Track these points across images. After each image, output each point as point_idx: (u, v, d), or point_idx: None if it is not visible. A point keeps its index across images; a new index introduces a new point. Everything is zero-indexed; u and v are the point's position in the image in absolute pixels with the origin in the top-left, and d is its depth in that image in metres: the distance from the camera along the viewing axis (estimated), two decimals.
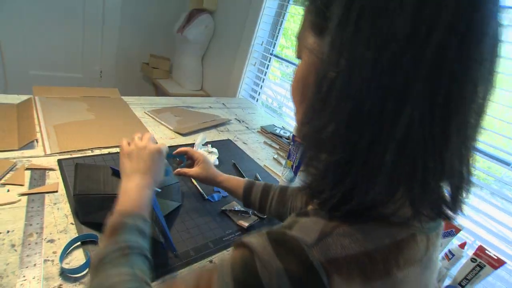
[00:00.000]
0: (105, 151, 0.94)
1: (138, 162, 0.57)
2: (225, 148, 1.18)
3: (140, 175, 0.55)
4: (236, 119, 1.52)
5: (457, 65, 0.25)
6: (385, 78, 0.25)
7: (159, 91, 2.47)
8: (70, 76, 2.29)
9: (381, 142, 0.27)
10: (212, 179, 0.76)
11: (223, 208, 0.83)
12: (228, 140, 1.27)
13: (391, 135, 0.26)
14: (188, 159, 0.81)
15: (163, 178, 0.61)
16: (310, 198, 0.33)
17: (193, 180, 0.91)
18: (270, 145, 1.33)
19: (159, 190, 0.69)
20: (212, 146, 1.11)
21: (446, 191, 0.32)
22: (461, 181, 0.32)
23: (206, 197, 0.86)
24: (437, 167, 0.28)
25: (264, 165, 1.14)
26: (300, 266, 0.27)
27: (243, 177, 1.01)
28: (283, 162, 1.12)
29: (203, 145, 1.11)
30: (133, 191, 0.52)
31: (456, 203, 0.33)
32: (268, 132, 1.42)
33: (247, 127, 1.47)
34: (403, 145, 0.27)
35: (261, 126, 1.47)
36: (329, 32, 0.29)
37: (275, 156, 1.24)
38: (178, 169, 0.76)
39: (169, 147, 1.05)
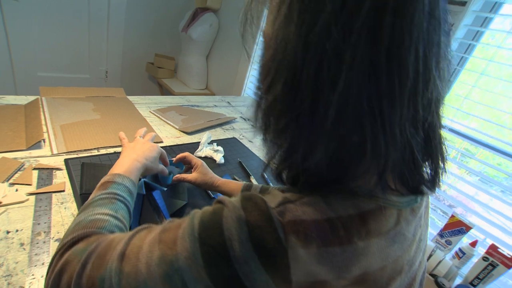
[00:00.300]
0: (111, 150, 0.95)
1: (135, 150, 0.65)
2: (230, 146, 1.18)
3: (135, 155, 0.63)
4: (241, 117, 1.52)
5: (390, 34, 0.26)
6: (317, 48, 0.27)
7: (164, 91, 2.48)
8: (77, 77, 2.32)
9: (321, 108, 0.28)
10: (210, 184, 0.77)
11: None
12: (234, 138, 1.26)
13: (330, 101, 0.27)
14: (186, 164, 0.82)
15: (156, 166, 0.67)
16: (274, 175, 0.35)
17: None
18: None
19: (165, 189, 0.70)
20: (218, 145, 1.11)
21: (429, 168, 0.34)
22: (432, 157, 0.33)
23: (212, 196, 0.86)
24: (387, 138, 0.28)
25: None
26: (261, 217, 0.30)
27: (249, 175, 1.01)
28: None
29: (208, 143, 1.11)
30: (125, 162, 0.59)
31: (433, 180, 0.34)
32: None
33: (253, 125, 1.45)
34: (343, 112, 0.27)
35: None
36: (270, 15, 0.32)
37: None
38: (177, 175, 0.77)
39: (170, 146, 1.05)
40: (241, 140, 1.26)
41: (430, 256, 0.83)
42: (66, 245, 0.38)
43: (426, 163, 0.34)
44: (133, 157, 0.61)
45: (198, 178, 0.77)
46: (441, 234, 0.91)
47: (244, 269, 0.29)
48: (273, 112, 0.32)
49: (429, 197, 0.44)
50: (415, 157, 0.31)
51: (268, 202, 0.31)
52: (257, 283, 0.29)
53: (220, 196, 0.35)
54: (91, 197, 0.49)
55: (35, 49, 2.08)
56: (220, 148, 1.08)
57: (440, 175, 0.35)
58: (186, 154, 0.81)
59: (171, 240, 0.32)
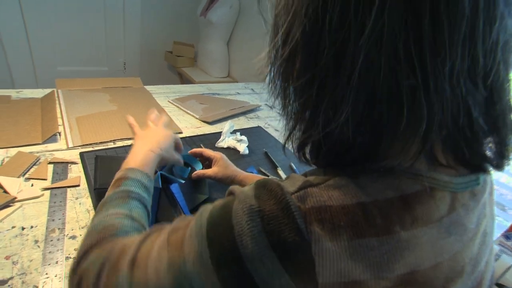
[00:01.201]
0: (128, 142, 0.95)
1: (150, 138, 0.64)
2: (255, 136, 1.15)
3: (149, 144, 0.61)
4: (266, 104, 1.49)
5: None
6: None
7: (185, 80, 2.50)
8: (96, 70, 2.40)
9: (347, 58, 0.24)
10: (232, 178, 0.74)
11: None
12: (259, 127, 1.24)
13: (357, 49, 0.23)
14: (205, 160, 0.80)
15: (171, 156, 0.66)
16: (295, 150, 0.33)
17: None
18: None
19: (182, 181, 0.68)
20: (241, 134, 1.08)
21: (493, 139, 0.29)
22: (498, 124, 0.27)
23: None
24: (431, 95, 0.23)
25: None
26: (275, 206, 0.26)
27: (276, 166, 0.97)
28: None
29: (231, 133, 1.08)
30: (138, 153, 0.58)
31: (500, 155, 0.29)
32: None
33: (279, 113, 1.42)
34: (374, 63, 0.23)
35: None
36: None
37: None
38: (196, 172, 0.75)
39: (191, 137, 1.04)
40: (266, 129, 1.23)
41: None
42: (81, 254, 0.39)
43: (490, 132, 0.28)
44: (147, 147, 0.60)
45: (219, 172, 0.74)
46: (507, 235, 0.82)
47: (259, 270, 0.26)
48: (292, 70, 0.28)
49: (493, 183, 0.38)
50: (474, 122, 0.26)
51: (285, 187, 0.28)
52: (275, 287, 0.26)
53: (233, 186, 0.33)
54: (106, 195, 0.49)
55: (54, 44, 2.17)
56: (244, 137, 1.05)
57: (509, 149, 0.29)
58: (203, 150, 0.79)
59: (179, 241, 0.31)
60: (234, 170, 0.76)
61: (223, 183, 0.76)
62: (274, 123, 1.31)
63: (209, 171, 0.75)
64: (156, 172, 0.67)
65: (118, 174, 0.53)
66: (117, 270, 0.34)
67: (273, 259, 0.26)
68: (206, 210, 0.31)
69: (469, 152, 0.28)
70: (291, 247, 0.25)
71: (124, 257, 0.34)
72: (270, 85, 0.32)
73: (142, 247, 0.34)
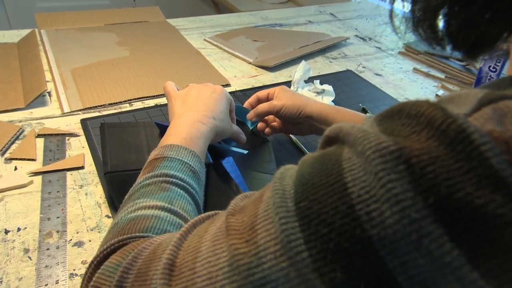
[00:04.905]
0: (150, 102, 0.95)
1: (194, 102, 0.65)
2: (343, 84, 1.14)
3: (194, 111, 0.63)
4: (357, 36, 1.48)
5: None
6: None
7: (223, 11, 2.50)
8: (92, 4, 2.48)
9: None
10: (301, 110, 0.75)
11: None
12: (348, 71, 1.24)
13: None
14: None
15: (228, 127, 0.67)
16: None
17: (292, 137, 0.92)
18: (428, 74, 1.24)
19: (245, 152, 0.70)
20: (322, 83, 1.06)
21: None
22: None
23: None
24: None
25: None
26: (433, 140, 0.23)
27: None
28: None
29: (305, 82, 1.07)
30: (181, 125, 0.60)
31: None
32: (421, 53, 1.34)
33: (379, 48, 1.42)
34: None
35: (405, 44, 1.40)
36: None
37: (439, 92, 1.17)
38: (250, 112, 0.78)
39: (243, 91, 1.06)
40: (360, 74, 1.22)
41: None
42: (95, 262, 0.40)
43: None
44: (192, 116, 0.61)
45: (286, 103, 0.75)
46: None
47: (410, 267, 0.23)
48: None
49: None
50: None
51: (448, 109, 0.24)
52: None
53: (335, 125, 0.31)
54: (136, 182, 0.52)
55: None
56: (327, 87, 1.04)
57: None
58: (255, 95, 0.81)
59: (247, 225, 0.30)
60: (305, 99, 0.77)
61: (294, 121, 0.78)
62: (372, 64, 1.28)
63: (265, 105, 0.77)
64: None
65: (153, 154, 0.55)
66: (147, 282, 0.34)
67: (442, 244, 0.22)
68: (291, 169, 0.31)
69: None
70: (483, 217, 0.21)
71: (156, 262, 0.35)
72: None
73: (184, 246, 0.34)
